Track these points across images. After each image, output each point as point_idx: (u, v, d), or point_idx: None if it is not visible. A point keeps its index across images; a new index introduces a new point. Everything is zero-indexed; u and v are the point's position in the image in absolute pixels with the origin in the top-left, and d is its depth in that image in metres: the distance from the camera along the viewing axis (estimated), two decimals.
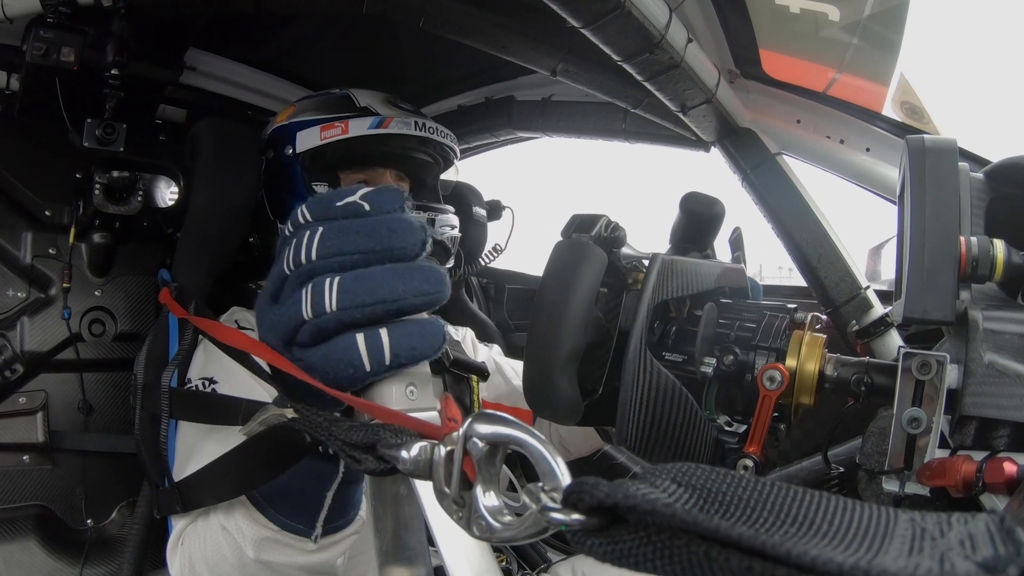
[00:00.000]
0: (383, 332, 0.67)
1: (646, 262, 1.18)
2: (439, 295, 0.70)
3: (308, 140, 1.79)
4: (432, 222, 1.80)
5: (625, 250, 1.16)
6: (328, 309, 0.66)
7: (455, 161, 2.01)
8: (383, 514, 0.77)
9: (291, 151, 1.81)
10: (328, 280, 0.67)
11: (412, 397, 0.72)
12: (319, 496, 1.08)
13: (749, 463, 1.05)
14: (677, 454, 1.04)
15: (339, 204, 0.70)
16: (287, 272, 0.71)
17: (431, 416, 0.70)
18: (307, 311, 0.67)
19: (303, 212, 0.72)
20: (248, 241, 1.92)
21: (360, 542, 1.35)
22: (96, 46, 1.64)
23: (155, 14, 1.72)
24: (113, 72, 1.68)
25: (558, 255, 1.06)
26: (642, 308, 1.05)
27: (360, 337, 0.66)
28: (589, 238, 1.06)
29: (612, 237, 1.11)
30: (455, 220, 1.90)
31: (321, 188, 1.80)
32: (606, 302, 1.13)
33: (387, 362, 0.67)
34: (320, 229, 0.69)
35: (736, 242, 1.45)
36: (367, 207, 0.70)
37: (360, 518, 1.19)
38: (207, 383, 1.49)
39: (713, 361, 1.11)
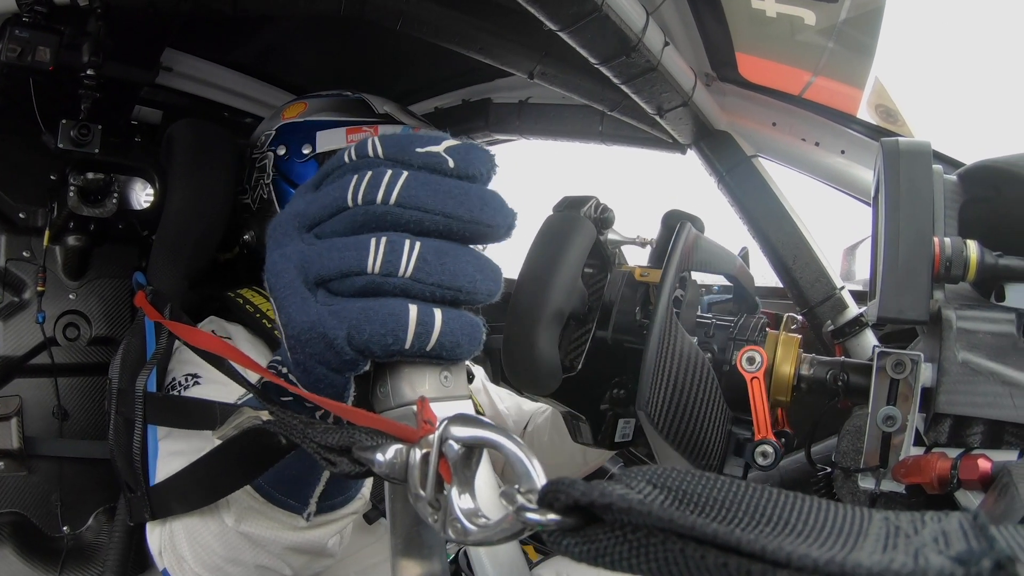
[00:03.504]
0: (438, 314, 0.62)
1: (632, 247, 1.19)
2: (496, 297, 0.67)
3: (332, 141, 1.77)
4: None
5: (611, 235, 1.17)
6: (401, 273, 0.60)
7: None
8: (400, 509, 0.76)
9: (310, 150, 1.79)
10: (408, 242, 0.60)
11: (446, 384, 0.69)
12: (317, 470, 0.98)
13: (769, 449, 1.04)
14: (694, 427, 1.02)
15: (419, 151, 0.63)
16: (349, 203, 0.63)
17: (465, 404, 0.69)
18: (375, 265, 0.60)
19: (375, 144, 0.64)
20: (243, 239, 1.90)
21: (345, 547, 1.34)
22: (72, 46, 1.62)
23: (132, 14, 1.70)
24: (89, 72, 1.66)
25: (549, 225, 1.07)
26: (670, 270, 1.05)
27: (414, 310, 0.60)
28: (580, 213, 1.08)
29: (601, 218, 1.12)
30: None
31: None
32: (590, 282, 1.14)
33: (428, 347, 0.61)
34: (405, 174, 0.61)
35: (743, 259, 1.47)
36: (451, 164, 0.63)
37: (362, 497, 1.11)
38: (191, 378, 1.47)
39: None
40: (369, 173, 0.62)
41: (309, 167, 1.79)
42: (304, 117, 1.84)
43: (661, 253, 1.34)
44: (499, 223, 0.64)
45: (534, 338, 1.00)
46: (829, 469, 1.26)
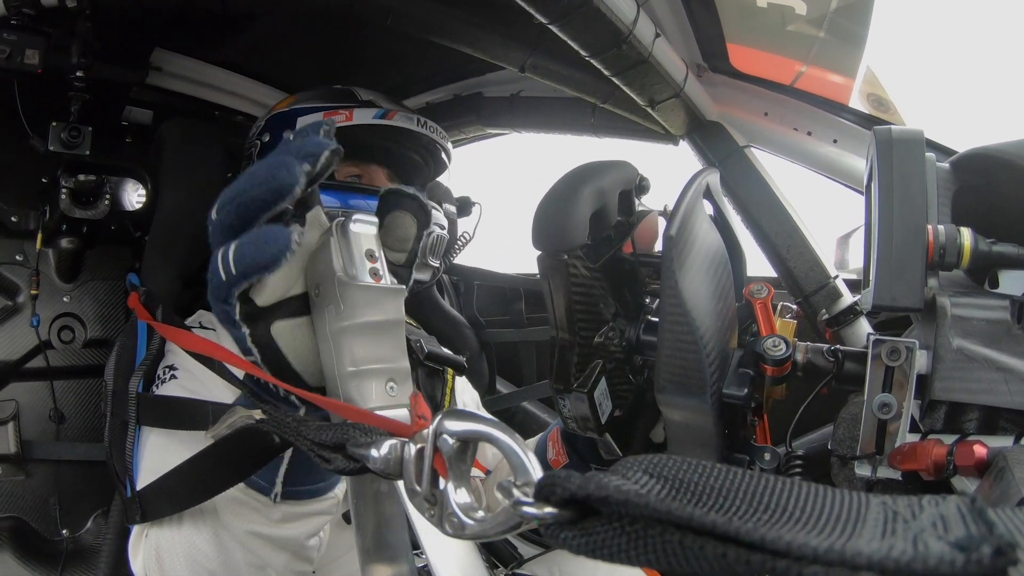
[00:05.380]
0: (232, 245, 0.68)
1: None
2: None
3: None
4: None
5: (639, 207, 1.20)
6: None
7: (444, 169, 2.03)
8: (364, 511, 0.77)
9: (290, 134, 1.79)
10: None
11: (392, 393, 0.72)
12: None
13: (779, 341, 1.05)
14: (707, 301, 1.00)
15: None
16: None
17: (406, 413, 0.71)
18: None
19: None
20: None
21: (331, 549, 1.34)
22: (60, 48, 1.61)
23: (120, 14, 1.70)
24: (78, 74, 1.66)
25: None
26: (696, 178, 1.06)
27: (219, 251, 0.68)
28: None
29: (639, 184, 1.18)
30: (444, 220, 1.91)
31: None
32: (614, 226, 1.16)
33: (233, 272, 0.66)
34: None
35: None
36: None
37: (334, 497, 1.15)
38: (168, 371, 1.47)
39: None
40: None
41: None
42: (291, 107, 1.85)
43: None
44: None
45: (577, 191, 1.03)
46: (802, 453, 1.26)
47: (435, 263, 1.86)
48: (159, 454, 1.37)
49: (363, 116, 1.77)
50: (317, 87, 1.93)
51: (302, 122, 1.79)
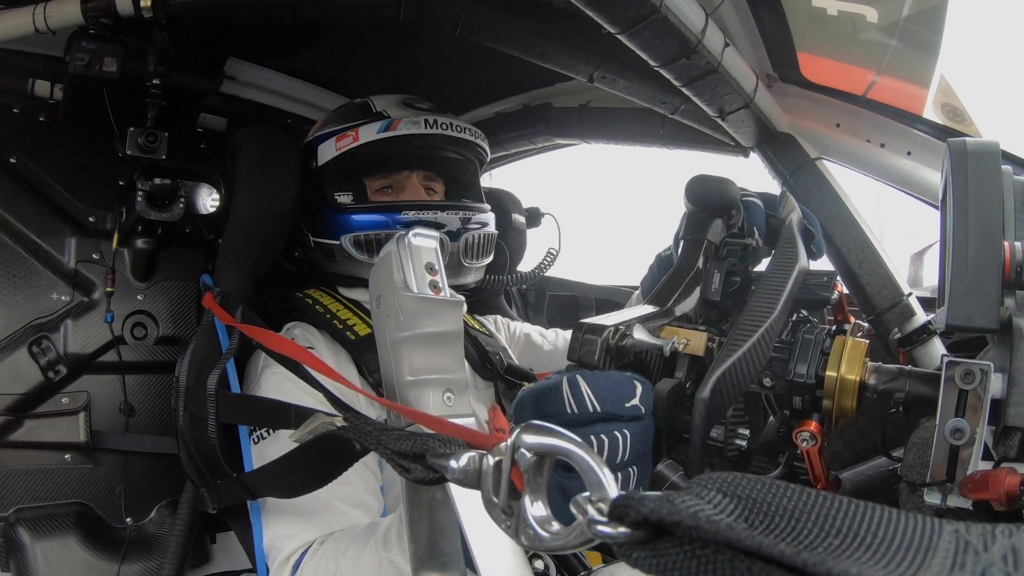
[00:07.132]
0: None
1: None
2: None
3: (326, 152, 1.84)
4: (467, 220, 1.82)
5: None
6: None
7: (485, 155, 2.04)
8: (419, 519, 0.78)
9: (315, 164, 1.86)
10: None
11: (449, 404, 0.74)
12: None
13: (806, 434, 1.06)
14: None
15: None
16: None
17: (468, 422, 0.72)
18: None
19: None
20: (294, 255, 1.96)
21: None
22: (137, 56, 1.67)
23: (195, 24, 1.75)
24: (154, 81, 1.72)
25: None
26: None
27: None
28: None
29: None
30: (489, 218, 1.92)
31: (344, 198, 1.84)
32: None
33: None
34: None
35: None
36: None
37: None
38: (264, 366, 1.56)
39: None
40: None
41: (319, 180, 1.87)
42: (315, 134, 1.92)
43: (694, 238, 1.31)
44: None
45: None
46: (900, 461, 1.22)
47: (478, 263, 1.88)
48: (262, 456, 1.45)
49: (368, 133, 1.80)
50: (347, 102, 2.01)
51: (321, 150, 1.86)
